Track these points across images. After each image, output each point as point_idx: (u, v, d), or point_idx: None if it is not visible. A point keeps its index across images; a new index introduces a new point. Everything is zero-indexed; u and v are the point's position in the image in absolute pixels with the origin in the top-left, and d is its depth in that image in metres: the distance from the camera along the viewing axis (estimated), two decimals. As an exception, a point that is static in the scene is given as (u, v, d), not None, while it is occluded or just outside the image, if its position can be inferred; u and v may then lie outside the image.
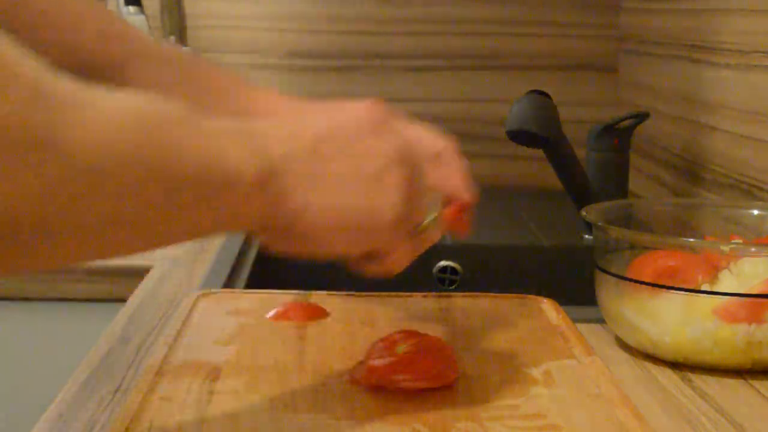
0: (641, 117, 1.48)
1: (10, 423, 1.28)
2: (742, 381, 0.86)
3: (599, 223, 0.94)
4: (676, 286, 0.87)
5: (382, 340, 0.82)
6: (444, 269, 1.40)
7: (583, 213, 0.96)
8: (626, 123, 1.47)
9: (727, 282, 0.88)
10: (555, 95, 1.34)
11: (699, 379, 0.87)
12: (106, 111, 0.53)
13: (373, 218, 0.66)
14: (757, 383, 0.86)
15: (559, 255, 1.41)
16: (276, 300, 0.96)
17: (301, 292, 1.00)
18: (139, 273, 1.26)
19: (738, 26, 1.38)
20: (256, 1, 1.89)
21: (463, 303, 0.99)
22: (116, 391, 0.83)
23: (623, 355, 0.92)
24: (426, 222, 0.73)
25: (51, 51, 0.76)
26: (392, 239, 0.69)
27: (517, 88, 1.73)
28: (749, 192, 1.32)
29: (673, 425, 0.77)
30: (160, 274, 1.24)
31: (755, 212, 1.02)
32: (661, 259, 0.90)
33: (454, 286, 1.39)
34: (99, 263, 1.32)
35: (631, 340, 0.92)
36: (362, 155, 0.66)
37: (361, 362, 0.78)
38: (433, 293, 1.02)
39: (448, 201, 0.80)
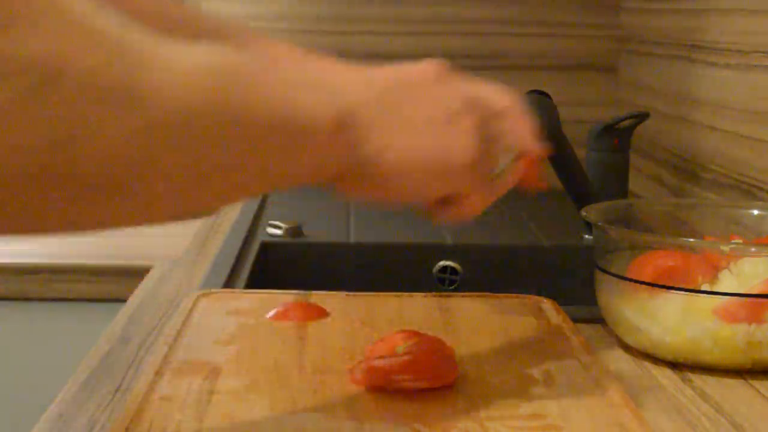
0: (641, 117, 1.48)
1: (10, 423, 1.28)
2: (742, 381, 0.86)
3: (599, 223, 0.94)
4: (676, 286, 0.87)
5: (382, 340, 0.82)
6: (444, 269, 1.40)
7: (583, 213, 0.96)
8: (626, 123, 1.47)
9: (727, 282, 0.88)
10: (555, 95, 1.34)
11: (699, 379, 0.87)
12: (185, 63, 0.54)
13: (448, 160, 0.67)
14: (757, 383, 0.86)
15: (559, 255, 1.41)
16: (276, 300, 0.96)
17: (301, 292, 1.00)
18: (139, 273, 1.26)
19: (738, 26, 1.38)
20: (256, 2, 1.89)
21: (463, 303, 0.99)
22: (116, 391, 0.83)
23: (623, 355, 0.92)
24: (500, 168, 0.73)
25: None
26: (467, 182, 0.69)
27: (517, 88, 1.73)
28: (749, 192, 1.32)
29: (673, 425, 0.77)
30: (160, 274, 1.24)
31: (755, 212, 1.02)
32: (661, 259, 0.90)
33: (454, 286, 1.39)
34: (98, 263, 1.32)
35: (631, 340, 0.92)
36: (433, 101, 0.68)
37: (361, 362, 0.78)
38: (433, 293, 1.02)
39: (518, 155, 0.79)
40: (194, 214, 0.61)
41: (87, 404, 0.80)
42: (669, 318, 0.88)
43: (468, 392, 0.76)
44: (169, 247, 1.40)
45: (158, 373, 0.78)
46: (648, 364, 0.90)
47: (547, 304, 0.98)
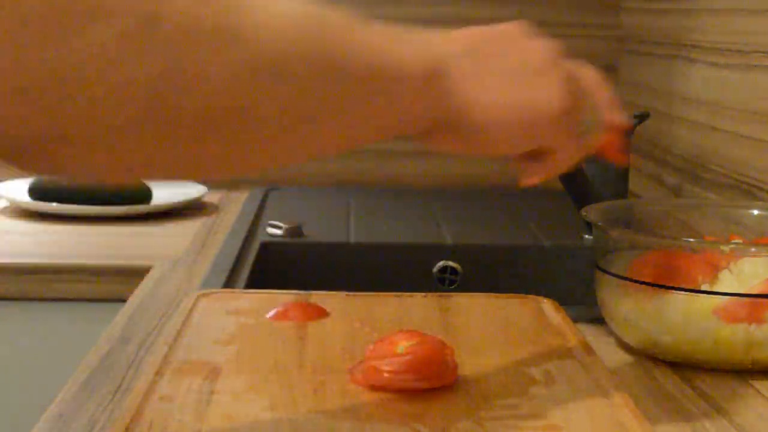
0: (641, 117, 1.48)
1: (10, 423, 1.28)
2: (742, 381, 0.86)
3: (599, 223, 0.94)
4: (676, 286, 0.87)
5: (382, 340, 0.82)
6: (444, 269, 1.40)
7: (583, 213, 0.96)
8: (626, 123, 1.47)
9: (727, 282, 0.88)
10: (555, 95, 1.33)
11: (699, 379, 0.87)
12: (281, 6, 0.56)
13: (538, 111, 0.67)
14: (757, 383, 0.86)
15: (559, 255, 1.41)
16: (276, 300, 0.96)
17: (301, 292, 1.00)
18: (139, 273, 1.26)
19: (738, 26, 1.38)
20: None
21: (463, 303, 0.99)
22: (116, 391, 0.83)
23: (623, 355, 0.92)
24: (588, 124, 0.72)
25: None
26: (556, 135, 0.69)
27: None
28: (749, 192, 1.32)
29: (673, 425, 0.77)
30: (160, 274, 1.24)
31: (755, 212, 1.02)
32: (661, 259, 0.90)
33: (454, 286, 1.39)
34: (98, 263, 1.32)
35: (631, 340, 0.92)
36: (521, 53, 0.69)
37: (361, 362, 0.78)
38: (433, 293, 1.02)
39: (602, 120, 0.78)
40: (285, 164, 0.64)
41: (87, 404, 0.80)
42: (669, 318, 0.87)
43: (468, 392, 0.76)
44: (169, 247, 1.40)
45: (158, 373, 0.78)
46: (648, 364, 0.90)
47: (547, 304, 0.98)
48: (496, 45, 0.69)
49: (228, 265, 1.24)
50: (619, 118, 0.77)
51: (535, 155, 0.71)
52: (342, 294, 1.00)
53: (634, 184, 1.69)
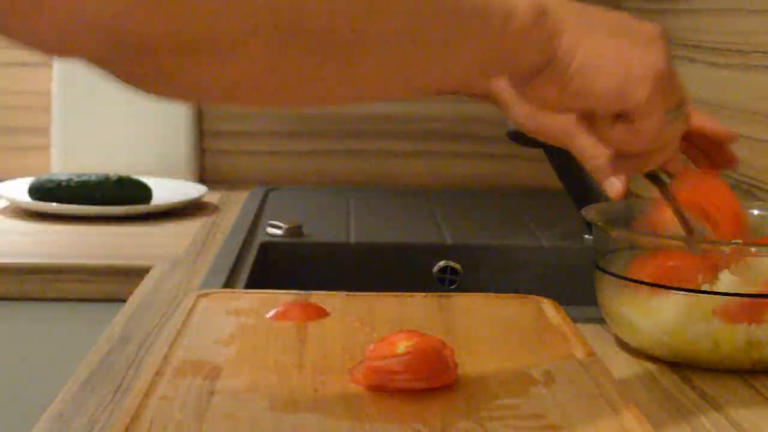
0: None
1: (10, 423, 1.28)
2: (742, 381, 0.86)
3: (599, 223, 0.94)
4: (676, 286, 0.87)
5: (382, 340, 0.82)
6: (444, 269, 1.40)
7: (583, 213, 0.96)
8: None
9: (727, 282, 0.88)
10: (555, 95, 1.33)
11: (699, 379, 0.87)
12: None
13: (643, 67, 0.69)
14: (757, 383, 0.86)
15: (559, 255, 1.41)
16: (276, 300, 0.96)
17: (301, 292, 1.00)
18: (139, 273, 1.26)
19: (738, 26, 1.38)
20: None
21: (463, 303, 0.99)
22: (116, 391, 0.83)
23: (623, 355, 0.92)
24: (676, 113, 0.72)
25: None
26: (652, 97, 0.69)
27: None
28: (749, 192, 1.32)
29: (673, 425, 0.77)
30: (160, 274, 1.24)
31: (755, 212, 1.02)
32: (661, 259, 0.90)
33: (454, 286, 1.39)
34: (98, 263, 1.32)
35: (631, 340, 0.92)
36: (629, 20, 0.71)
37: (361, 362, 0.78)
38: (433, 293, 1.02)
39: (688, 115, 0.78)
40: (391, 96, 0.67)
41: (87, 404, 0.80)
42: (669, 318, 0.87)
43: (468, 392, 0.76)
44: (169, 247, 1.40)
45: (158, 373, 0.78)
46: (648, 364, 0.90)
47: (547, 304, 0.98)
48: (597, 10, 0.70)
49: (228, 265, 1.24)
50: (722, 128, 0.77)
51: (623, 115, 0.70)
52: (342, 294, 1.00)
53: (634, 184, 1.68)
